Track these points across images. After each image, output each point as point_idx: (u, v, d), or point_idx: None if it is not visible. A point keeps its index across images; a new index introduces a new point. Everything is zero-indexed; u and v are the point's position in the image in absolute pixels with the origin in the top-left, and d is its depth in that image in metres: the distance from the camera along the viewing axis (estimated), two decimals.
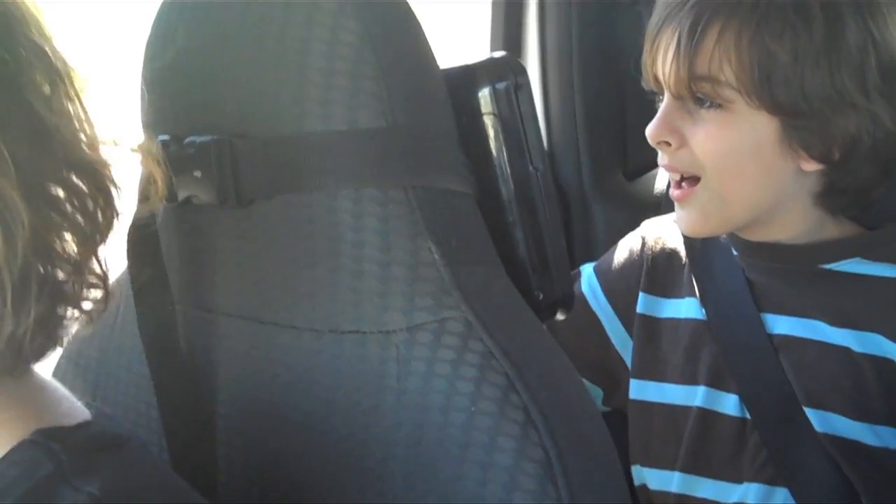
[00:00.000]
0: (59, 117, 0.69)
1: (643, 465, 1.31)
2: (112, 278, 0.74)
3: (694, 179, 1.17)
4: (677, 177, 1.19)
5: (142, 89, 0.93)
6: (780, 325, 1.21)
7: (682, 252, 1.31)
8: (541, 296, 0.93)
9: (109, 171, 0.72)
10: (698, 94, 1.14)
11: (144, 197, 0.84)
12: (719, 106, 1.13)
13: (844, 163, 1.14)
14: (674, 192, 1.20)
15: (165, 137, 0.89)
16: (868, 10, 1.12)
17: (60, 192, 0.69)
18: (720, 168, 1.15)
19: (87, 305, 0.72)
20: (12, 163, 0.65)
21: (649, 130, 1.18)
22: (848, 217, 1.22)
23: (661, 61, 1.16)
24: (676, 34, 1.14)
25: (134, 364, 0.93)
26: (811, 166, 1.15)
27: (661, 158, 1.20)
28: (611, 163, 1.70)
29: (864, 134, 1.12)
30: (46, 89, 0.68)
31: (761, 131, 1.13)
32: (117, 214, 0.73)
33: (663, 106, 1.18)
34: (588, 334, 1.35)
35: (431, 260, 0.83)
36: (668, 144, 1.17)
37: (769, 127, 1.13)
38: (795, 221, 1.20)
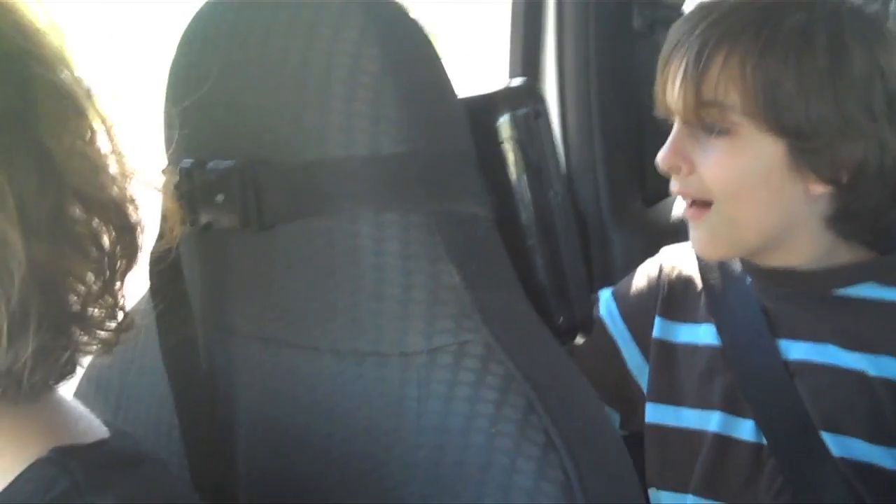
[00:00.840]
0: (70, 154, 0.69)
1: (659, 488, 1.31)
2: (134, 300, 0.75)
3: (705, 203, 1.19)
4: (689, 200, 1.21)
5: (165, 117, 0.94)
6: (795, 350, 1.21)
7: (699, 278, 1.32)
8: (560, 319, 0.93)
9: (132, 206, 0.73)
10: (706, 121, 1.15)
11: (162, 233, 0.85)
12: (727, 132, 1.15)
13: (853, 186, 1.15)
14: (687, 212, 1.21)
15: (189, 162, 0.90)
16: (873, 39, 1.13)
17: (75, 228, 0.69)
18: (730, 194, 1.16)
19: (103, 334, 0.73)
20: (14, 199, 0.65)
21: (660, 156, 1.19)
22: (860, 242, 1.23)
23: (671, 88, 1.18)
24: (684, 61, 1.16)
25: (156, 385, 0.94)
26: (819, 189, 1.16)
27: (673, 184, 1.21)
28: (629, 189, 1.70)
29: (872, 158, 1.13)
30: (59, 126, 0.68)
31: (769, 155, 1.14)
32: (140, 249, 0.73)
33: (673, 132, 1.19)
34: (605, 358, 1.35)
35: (452, 283, 0.84)
36: (677, 170, 1.19)
37: (777, 151, 1.14)
38: (807, 246, 1.20)
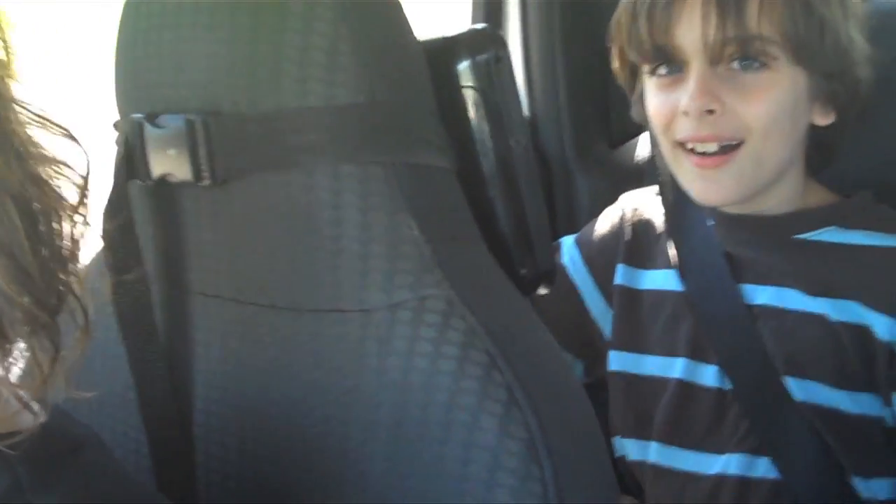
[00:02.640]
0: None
1: (623, 436, 1.31)
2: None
3: (731, 147, 1.16)
4: (712, 147, 1.16)
5: (115, 69, 0.92)
6: (759, 295, 1.21)
7: (661, 224, 1.31)
8: (523, 271, 0.92)
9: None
10: (746, 55, 1.13)
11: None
12: (765, 66, 1.13)
13: (846, 112, 1.18)
14: (703, 162, 1.17)
15: (139, 115, 0.87)
16: None
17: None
18: (767, 129, 1.15)
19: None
20: None
21: (691, 102, 1.14)
22: (820, 184, 1.23)
23: (685, 28, 1.14)
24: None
25: (110, 345, 0.92)
26: (826, 119, 1.18)
27: (695, 129, 1.16)
28: (594, 131, 1.69)
29: (864, 75, 1.17)
30: None
31: (798, 88, 1.15)
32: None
33: (697, 75, 1.15)
34: (567, 306, 1.35)
35: (412, 237, 0.82)
36: (711, 113, 1.15)
37: (802, 83, 1.15)
38: (786, 187, 1.21)
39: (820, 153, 1.22)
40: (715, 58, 1.14)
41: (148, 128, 0.87)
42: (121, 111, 0.91)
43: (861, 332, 1.15)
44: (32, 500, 0.65)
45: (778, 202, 1.21)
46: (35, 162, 0.65)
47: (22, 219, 0.64)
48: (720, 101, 1.14)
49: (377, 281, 0.82)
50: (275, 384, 0.87)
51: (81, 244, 0.69)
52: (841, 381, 1.16)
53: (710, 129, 1.15)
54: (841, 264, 1.19)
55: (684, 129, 1.16)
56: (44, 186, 0.66)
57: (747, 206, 1.22)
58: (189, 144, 0.84)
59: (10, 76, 0.66)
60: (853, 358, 1.15)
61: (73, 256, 0.68)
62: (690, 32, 1.14)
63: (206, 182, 0.85)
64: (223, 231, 0.89)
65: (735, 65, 1.14)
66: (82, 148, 0.68)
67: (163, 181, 0.87)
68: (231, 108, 0.84)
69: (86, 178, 0.68)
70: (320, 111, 0.81)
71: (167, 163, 0.86)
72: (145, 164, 0.88)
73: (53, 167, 0.67)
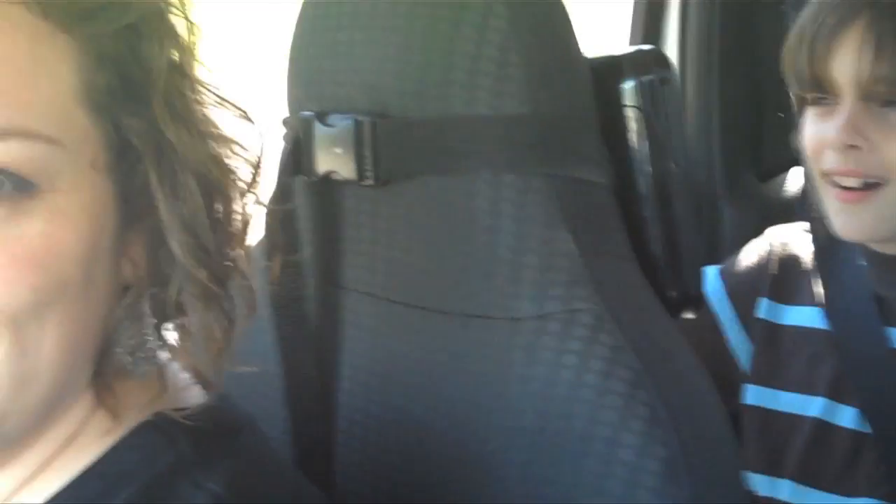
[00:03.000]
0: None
1: (754, 470, 1.29)
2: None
3: (872, 185, 1.15)
4: (855, 182, 1.16)
5: (289, 66, 0.94)
6: None
7: (809, 261, 1.29)
8: (672, 293, 0.92)
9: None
10: (879, 97, 1.13)
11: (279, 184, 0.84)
12: None
13: None
14: (846, 196, 1.17)
15: (309, 113, 0.90)
16: None
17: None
18: None
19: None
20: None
21: (836, 135, 1.15)
22: None
23: (847, 60, 1.14)
24: (874, 32, 1.12)
25: (262, 334, 0.94)
26: None
27: (840, 162, 1.16)
28: (744, 162, 1.67)
29: None
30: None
31: None
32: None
33: (847, 109, 1.15)
34: (705, 334, 1.34)
35: (566, 250, 0.83)
36: (855, 148, 1.15)
37: None
38: None
39: None
40: (866, 94, 1.13)
41: (317, 125, 0.89)
42: (291, 108, 0.94)
43: None
44: (196, 478, 0.66)
45: None
46: (215, 142, 0.67)
47: (204, 197, 0.65)
48: (866, 137, 1.14)
49: (528, 291, 0.83)
50: (419, 384, 0.88)
51: (251, 224, 0.70)
52: None
53: (854, 164, 1.15)
54: None
55: (830, 160, 1.16)
56: (222, 166, 0.68)
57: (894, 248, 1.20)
58: (355, 144, 0.86)
59: (193, 57, 0.68)
60: None
61: (243, 235, 0.70)
62: (845, 67, 1.14)
63: (369, 182, 0.87)
64: (381, 231, 0.90)
65: (886, 104, 1.13)
66: (258, 130, 0.70)
67: (327, 178, 0.89)
68: (399, 111, 0.85)
69: (259, 160, 0.70)
70: (486, 120, 0.82)
71: (333, 161, 0.88)
72: (311, 160, 0.90)
73: (230, 147, 0.68)
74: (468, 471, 0.84)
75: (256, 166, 0.70)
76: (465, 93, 0.82)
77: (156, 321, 0.69)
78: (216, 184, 0.67)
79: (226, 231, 0.68)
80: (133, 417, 0.69)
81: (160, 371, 0.70)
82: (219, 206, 0.68)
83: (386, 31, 0.87)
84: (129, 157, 0.65)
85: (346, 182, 0.89)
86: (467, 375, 0.85)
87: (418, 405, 0.88)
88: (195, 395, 0.71)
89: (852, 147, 1.15)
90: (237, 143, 0.69)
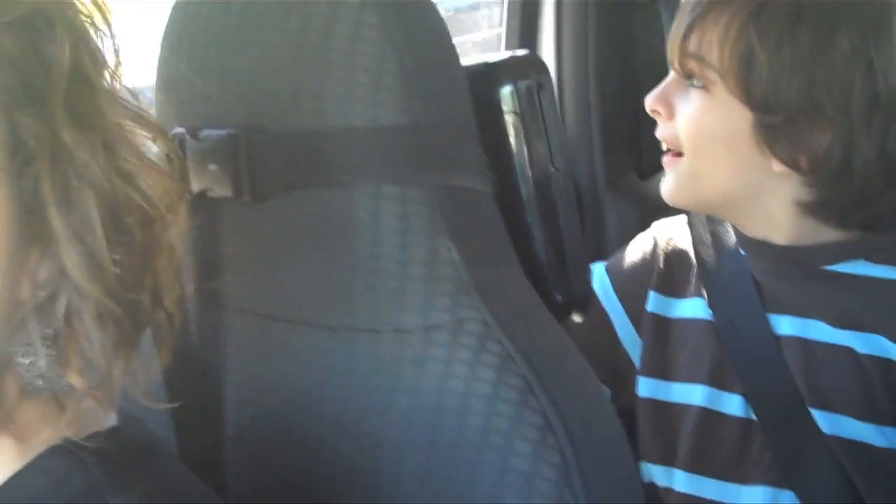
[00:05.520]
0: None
1: (651, 461, 1.30)
2: None
3: (679, 153, 1.21)
4: (666, 147, 1.23)
5: (158, 83, 0.92)
6: (786, 325, 1.21)
7: (692, 252, 1.31)
8: (558, 297, 0.92)
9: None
10: (688, 72, 1.17)
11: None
12: (704, 87, 1.16)
13: (815, 176, 1.14)
14: (665, 158, 1.24)
15: (181, 130, 0.88)
16: (870, 31, 1.11)
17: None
18: (695, 148, 1.18)
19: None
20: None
21: (648, 97, 1.22)
22: (848, 227, 1.21)
23: (672, 37, 1.20)
24: (686, 10, 1.18)
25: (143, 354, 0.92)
26: (779, 168, 1.15)
27: (658, 128, 1.24)
28: (625, 161, 1.69)
29: (837, 153, 1.12)
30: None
31: (736, 121, 1.15)
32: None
33: (667, 78, 1.22)
34: (597, 332, 1.34)
35: (450, 259, 0.82)
36: (658, 114, 1.22)
37: (744, 118, 1.14)
38: (784, 223, 1.20)
39: (825, 209, 1.18)
40: (681, 69, 1.18)
41: (189, 142, 0.87)
42: (161, 122, 0.92)
43: (887, 366, 1.14)
44: (110, 501, 0.64)
45: (788, 236, 1.20)
46: (127, 158, 0.65)
47: (100, 209, 0.63)
48: (670, 108, 1.20)
49: (414, 302, 0.82)
50: (307, 402, 0.86)
51: (175, 248, 0.69)
52: (868, 414, 1.15)
53: (661, 131, 1.23)
54: (867, 297, 1.18)
55: None
56: (129, 180, 0.65)
57: (755, 230, 1.23)
58: (230, 159, 0.84)
59: (113, 72, 0.66)
60: (880, 392, 1.14)
61: (154, 254, 0.68)
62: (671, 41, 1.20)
63: (247, 198, 0.85)
64: (261, 247, 0.89)
65: (690, 80, 1.18)
66: (175, 150, 0.69)
67: (203, 196, 0.88)
68: (274, 126, 0.84)
69: (181, 181, 0.68)
70: (363, 131, 0.81)
71: (208, 178, 0.86)
72: (185, 178, 0.88)
73: (143, 161, 0.66)
74: (361, 485, 0.83)
75: (177, 188, 0.68)
76: (341, 105, 0.81)
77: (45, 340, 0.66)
78: (121, 197, 0.64)
79: (133, 248, 0.66)
80: (40, 442, 0.66)
81: (67, 393, 0.67)
82: (129, 220, 0.65)
83: (257, 44, 0.85)
84: (22, 158, 0.62)
85: (222, 199, 0.87)
86: (356, 390, 0.84)
87: (308, 422, 0.86)
88: (104, 418, 0.69)
89: (656, 113, 1.22)
90: (154, 164, 0.67)
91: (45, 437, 0.67)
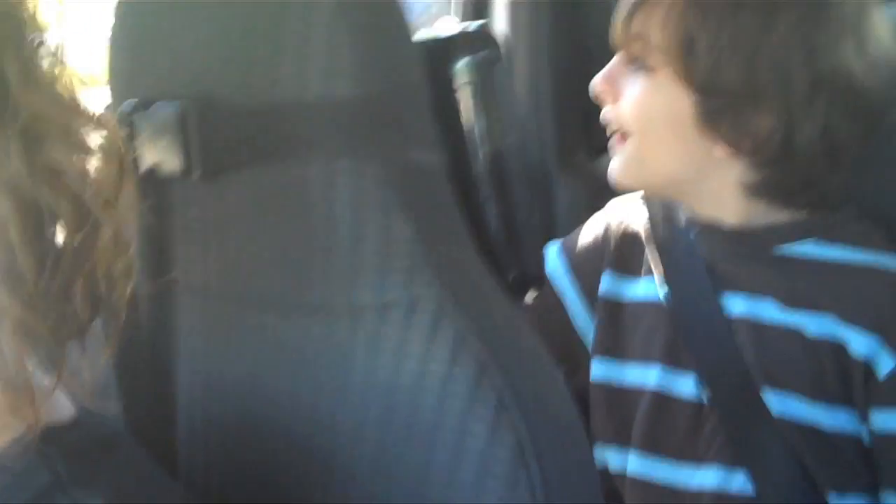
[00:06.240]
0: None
1: (604, 444, 1.30)
2: None
3: (625, 135, 1.22)
4: (612, 128, 1.24)
5: (109, 52, 0.90)
6: (738, 305, 1.21)
7: (646, 232, 1.31)
8: (513, 274, 0.91)
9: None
10: (632, 54, 1.18)
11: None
12: (648, 70, 1.17)
13: (758, 158, 1.16)
14: (611, 141, 1.25)
15: (131, 103, 0.86)
16: (813, 14, 1.12)
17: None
18: (640, 131, 1.20)
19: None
20: None
21: (594, 79, 1.23)
22: (797, 207, 1.22)
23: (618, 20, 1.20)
24: None
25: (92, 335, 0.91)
26: (723, 152, 1.16)
27: (604, 111, 1.25)
28: (576, 140, 1.69)
29: (779, 135, 1.13)
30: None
31: (680, 104, 1.16)
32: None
33: (612, 60, 1.22)
34: (550, 314, 1.34)
35: (404, 236, 0.81)
36: (604, 95, 1.23)
37: (687, 102, 1.15)
38: (733, 207, 1.21)
39: (770, 189, 1.20)
40: (626, 51, 1.19)
41: (139, 116, 0.85)
42: (113, 96, 0.90)
43: (837, 348, 1.15)
44: (75, 496, 0.62)
45: (737, 217, 1.21)
46: (52, 154, 0.61)
47: (17, 214, 0.59)
48: (616, 91, 1.21)
49: (368, 279, 0.81)
50: (260, 382, 0.85)
51: (113, 251, 0.64)
52: (818, 395, 1.16)
53: (607, 113, 1.24)
54: (818, 278, 1.18)
55: None
56: (60, 180, 0.61)
57: (704, 212, 1.23)
58: (181, 133, 0.83)
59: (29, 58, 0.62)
60: (830, 373, 1.15)
61: (104, 257, 0.64)
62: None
63: (197, 174, 0.83)
64: (212, 225, 0.87)
65: (635, 63, 1.19)
66: (114, 136, 0.65)
67: (152, 173, 0.86)
68: (226, 99, 0.82)
69: (122, 167, 0.65)
70: (316, 105, 0.80)
71: (157, 153, 0.85)
72: (135, 153, 0.86)
73: (81, 158, 0.62)
74: (317, 467, 0.82)
75: (116, 185, 0.64)
76: (295, 78, 0.80)
77: None
78: (44, 199, 0.60)
79: (62, 254, 0.62)
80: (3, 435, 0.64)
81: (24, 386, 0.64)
82: (53, 224, 0.61)
83: (209, 17, 0.84)
84: None
85: (173, 175, 0.85)
86: (309, 370, 0.83)
87: (261, 404, 0.86)
88: (64, 410, 0.66)
89: (602, 94, 1.23)
90: (86, 150, 0.63)
91: (5, 433, 0.64)
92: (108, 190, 0.64)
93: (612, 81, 1.21)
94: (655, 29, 1.15)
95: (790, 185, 1.18)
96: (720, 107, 1.14)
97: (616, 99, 1.21)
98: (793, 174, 1.16)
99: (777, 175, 1.17)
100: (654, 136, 1.19)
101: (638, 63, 1.18)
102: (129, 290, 0.66)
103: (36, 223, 0.60)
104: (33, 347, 0.62)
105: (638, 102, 1.19)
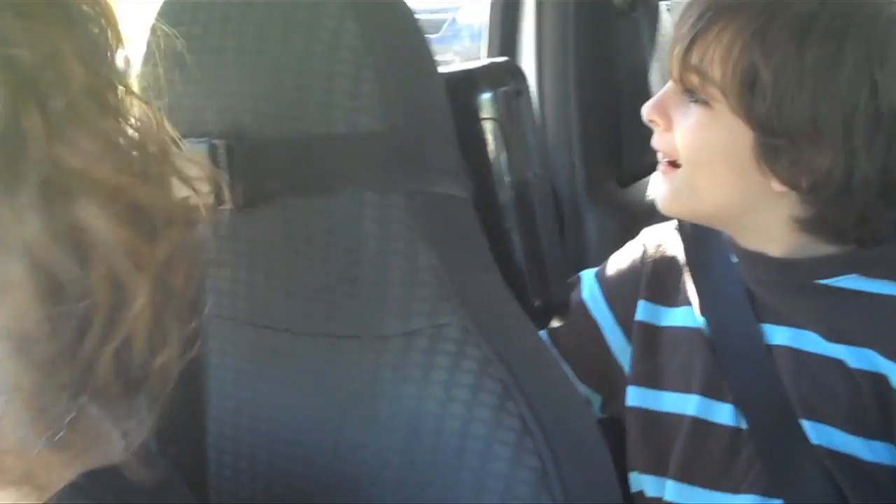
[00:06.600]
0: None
1: (640, 471, 1.30)
2: None
3: (675, 164, 1.20)
4: (661, 157, 1.22)
5: (140, 90, 0.92)
6: (778, 335, 1.20)
7: (682, 260, 1.31)
8: (537, 302, 0.92)
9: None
10: (688, 85, 1.16)
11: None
12: (705, 102, 1.14)
13: (814, 195, 1.14)
14: (661, 166, 1.23)
15: None
16: (877, 52, 1.11)
17: None
18: (693, 162, 1.17)
19: None
20: None
21: (645, 106, 1.20)
22: (843, 242, 1.21)
23: (672, 47, 1.18)
24: (685, 24, 1.16)
25: None
26: (779, 187, 1.14)
27: (654, 138, 1.23)
28: (605, 170, 1.69)
29: (838, 173, 1.11)
30: None
31: (737, 138, 1.13)
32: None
33: (665, 87, 1.20)
34: (587, 340, 1.34)
35: (429, 265, 0.82)
36: (655, 124, 1.20)
37: (745, 136, 1.13)
38: (780, 238, 1.20)
39: (824, 226, 1.18)
40: (681, 81, 1.17)
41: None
42: None
43: (878, 381, 1.13)
44: None
45: (784, 250, 1.20)
46: (83, 211, 0.54)
47: (32, 279, 0.53)
48: (668, 118, 1.18)
49: (394, 308, 0.83)
50: (288, 408, 0.87)
51: (151, 318, 0.57)
52: (857, 427, 1.15)
53: (658, 141, 1.21)
54: (860, 312, 1.17)
55: None
56: (86, 241, 0.54)
57: (750, 242, 1.22)
58: (212, 168, 0.85)
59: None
60: (870, 405, 1.14)
61: (143, 332, 0.58)
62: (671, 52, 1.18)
63: (228, 206, 0.85)
64: (241, 255, 0.89)
65: (690, 94, 1.17)
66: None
67: None
68: (255, 133, 0.84)
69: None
70: (344, 138, 0.82)
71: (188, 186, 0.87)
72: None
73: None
74: (343, 491, 0.83)
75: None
76: (322, 112, 0.82)
77: None
78: (62, 268, 0.54)
79: (88, 322, 0.56)
80: (55, 481, 0.61)
81: (80, 428, 0.61)
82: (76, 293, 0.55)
83: (238, 53, 0.85)
84: None
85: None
86: (337, 397, 0.84)
87: (289, 430, 0.87)
88: (117, 451, 0.63)
89: (653, 122, 1.20)
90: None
91: (61, 475, 0.61)
92: (142, 253, 0.57)
93: (664, 109, 1.19)
94: (716, 63, 1.12)
95: (843, 221, 1.16)
96: (780, 145, 1.12)
97: (668, 127, 1.19)
98: (848, 211, 1.14)
99: (831, 211, 1.15)
100: (708, 168, 1.17)
101: (693, 94, 1.16)
102: (170, 359, 0.61)
103: (54, 287, 0.54)
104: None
105: (692, 134, 1.17)
